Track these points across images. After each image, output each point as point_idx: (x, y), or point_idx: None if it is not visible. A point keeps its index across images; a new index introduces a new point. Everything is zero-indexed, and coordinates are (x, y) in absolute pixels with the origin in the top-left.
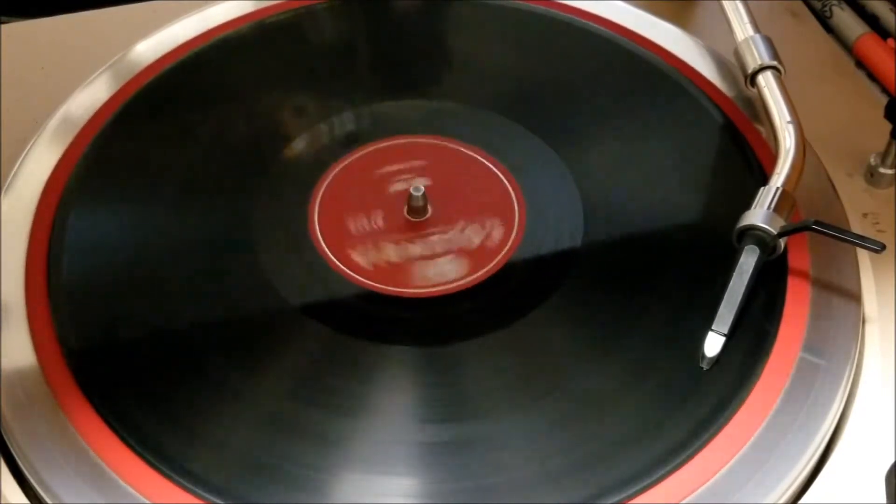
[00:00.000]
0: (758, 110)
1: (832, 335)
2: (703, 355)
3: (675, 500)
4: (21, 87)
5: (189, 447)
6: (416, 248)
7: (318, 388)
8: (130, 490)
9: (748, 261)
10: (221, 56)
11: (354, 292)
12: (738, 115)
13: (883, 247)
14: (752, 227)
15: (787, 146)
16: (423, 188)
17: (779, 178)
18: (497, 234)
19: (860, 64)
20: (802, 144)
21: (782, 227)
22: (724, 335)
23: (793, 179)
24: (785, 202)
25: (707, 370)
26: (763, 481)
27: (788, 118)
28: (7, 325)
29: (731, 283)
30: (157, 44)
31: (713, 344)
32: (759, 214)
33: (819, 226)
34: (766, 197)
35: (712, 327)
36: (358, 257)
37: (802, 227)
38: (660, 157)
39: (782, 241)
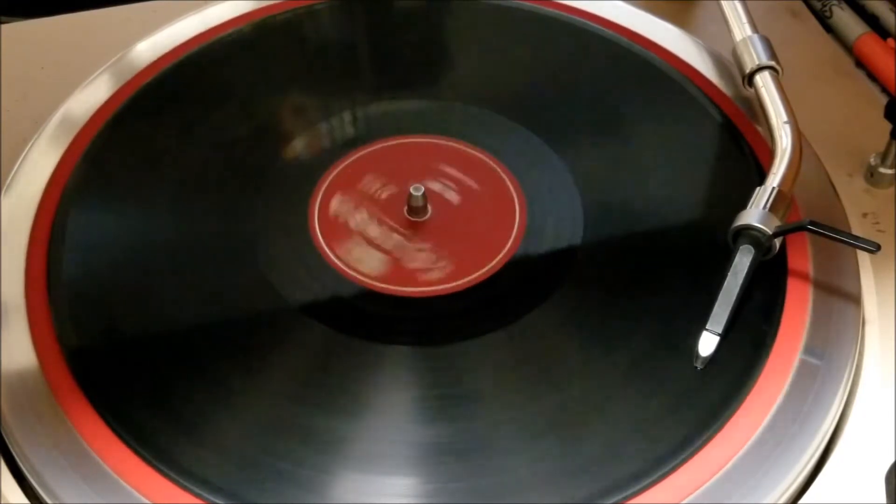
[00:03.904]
0: (755, 110)
1: (832, 336)
2: (698, 354)
3: (675, 500)
4: (21, 87)
5: (189, 447)
6: (416, 248)
7: (318, 388)
8: (130, 490)
9: (743, 260)
10: (221, 56)
11: (354, 292)
12: (737, 114)
13: (878, 247)
14: (748, 227)
15: (784, 146)
16: (423, 188)
17: (775, 178)
18: (497, 233)
19: (860, 64)
20: (799, 144)
21: (777, 227)
22: (719, 335)
23: (789, 179)
24: (781, 202)
25: (707, 370)
26: (763, 481)
27: (785, 118)
28: (7, 325)
29: (725, 282)
30: (157, 44)
31: (707, 343)
32: (754, 214)
33: (814, 226)
34: (762, 197)
35: (707, 327)
36: (358, 257)
37: (798, 228)
38: (659, 157)
39: (777, 241)
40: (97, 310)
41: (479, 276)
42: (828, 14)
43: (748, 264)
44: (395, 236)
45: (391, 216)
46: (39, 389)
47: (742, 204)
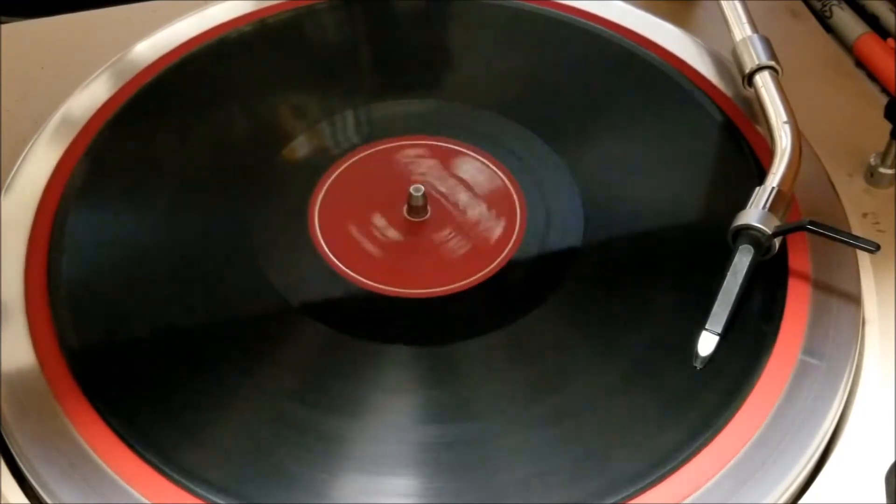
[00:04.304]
0: (755, 110)
1: (832, 336)
2: (697, 354)
3: (675, 500)
4: (21, 87)
5: (189, 447)
6: (415, 249)
7: (318, 388)
8: (130, 490)
9: (742, 260)
10: (221, 56)
11: (354, 292)
12: (737, 114)
13: (877, 247)
14: (747, 227)
15: (784, 146)
16: (422, 188)
17: (774, 178)
18: (497, 233)
19: (860, 64)
20: (798, 144)
21: (777, 227)
22: (718, 334)
23: (789, 179)
24: (780, 202)
25: (708, 370)
26: (763, 481)
27: (785, 118)
28: (7, 325)
29: (725, 282)
30: (157, 44)
31: (707, 343)
32: (753, 214)
33: (814, 226)
34: (762, 197)
35: (706, 326)
36: (358, 257)
37: (797, 227)
38: (660, 157)
39: (777, 241)
40: (97, 310)
41: (480, 277)
42: (828, 14)
43: (748, 264)
44: (396, 236)
45: (391, 216)
46: (39, 389)
47: (742, 204)
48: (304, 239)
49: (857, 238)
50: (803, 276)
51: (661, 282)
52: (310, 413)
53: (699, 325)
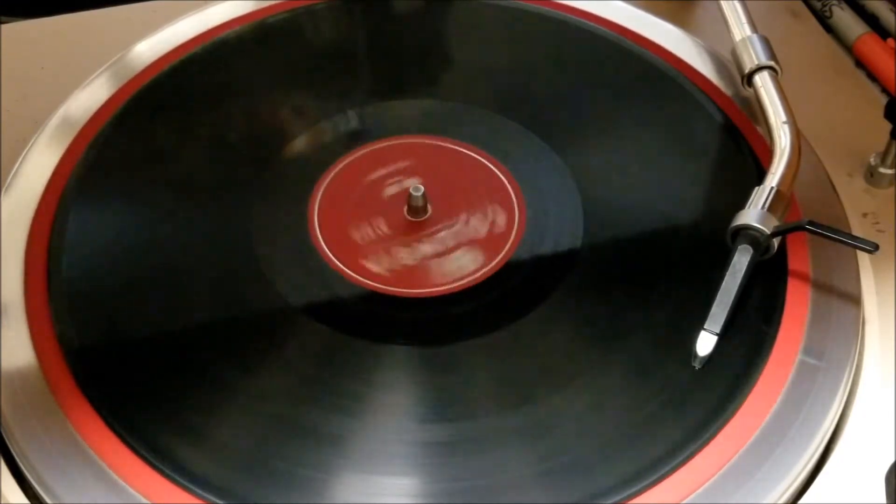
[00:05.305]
0: (755, 110)
1: (832, 336)
2: (696, 354)
3: (675, 500)
4: (21, 87)
5: (189, 447)
6: (415, 248)
7: (319, 387)
8: (130, 490)
9: (741, 260)
10: (221, 56)
11: (354, 292)
12: (737, 114)
13: (876, 247)
14: (746, 227)
15: (783, 146)
16: (422, 188)
17: (773, 178)
18: (497, 233)
19: (860, 64)
20: (798, 144)
21: (776, 227)
22: (717, 334)
23: (788, 179)
24: (779, 202)
25: (708, 370)
26: (763, 481)
27: (784, 118)
28: (7, 324)
29: (723, 282)
30: (157, 44)
31: (705, 343)
32: (752, 214)
33: (813, 226)
34: (761, 197)
35: (705, 326)
36: (358, 257)
37: (796, 227)
38: (659, 157)
39: (776, 241)
40: (97, 309)
41: (479, 277)
42: (828, 14)
43: (746, 264)
44: (395, 236)
45: (391, 216)
46: (39, 389)
47: (741, 204)
48: (303, 239)
49: (856, 238)
50: (803, 277)
51: (660, 281)
52: (309, 413)
53: (698, 325)
